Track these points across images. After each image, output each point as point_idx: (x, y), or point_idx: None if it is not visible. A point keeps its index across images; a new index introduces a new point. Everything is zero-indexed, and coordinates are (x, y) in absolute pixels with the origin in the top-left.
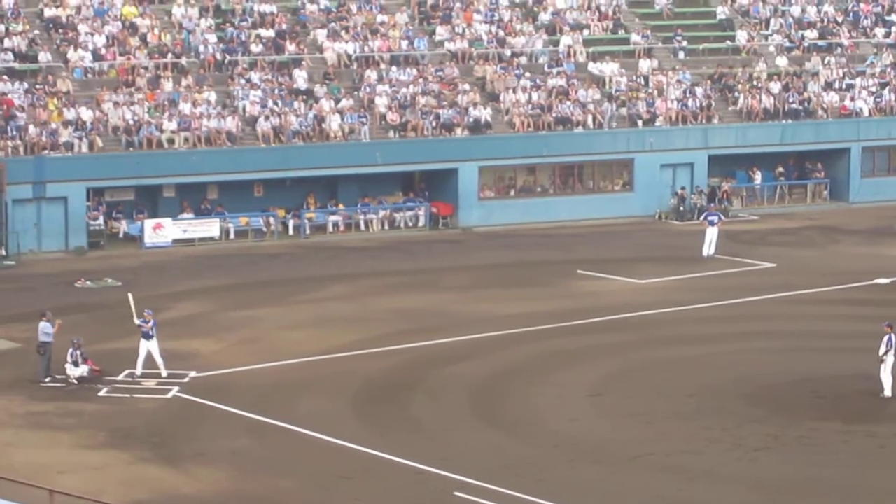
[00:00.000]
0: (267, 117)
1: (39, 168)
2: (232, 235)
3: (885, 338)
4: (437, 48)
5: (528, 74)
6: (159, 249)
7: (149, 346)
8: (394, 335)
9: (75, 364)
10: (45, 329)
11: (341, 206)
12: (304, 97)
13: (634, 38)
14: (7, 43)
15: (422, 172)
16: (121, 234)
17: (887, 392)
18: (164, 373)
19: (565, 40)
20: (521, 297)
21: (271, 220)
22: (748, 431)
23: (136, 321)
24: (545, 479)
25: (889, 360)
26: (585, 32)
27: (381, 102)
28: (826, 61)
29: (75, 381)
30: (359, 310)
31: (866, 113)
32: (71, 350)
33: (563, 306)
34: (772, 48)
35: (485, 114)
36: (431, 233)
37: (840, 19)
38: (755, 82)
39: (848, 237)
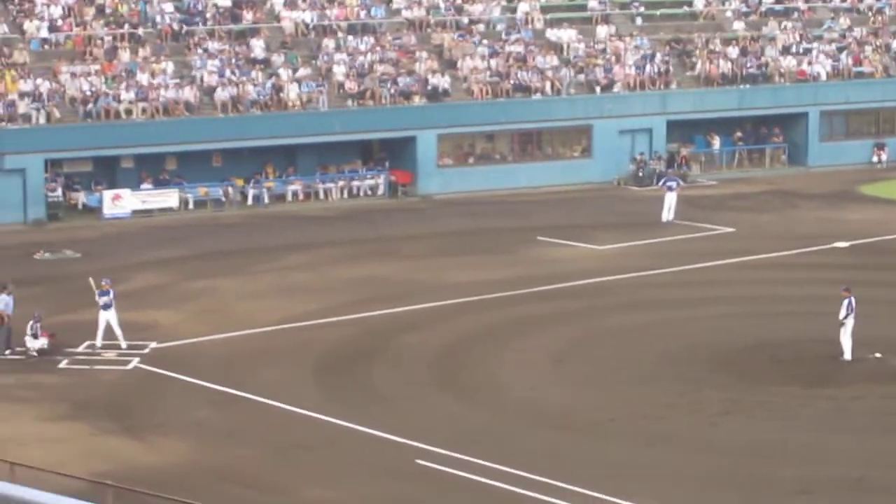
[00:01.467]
0: (224, 87)
1: None
2: (191, 206)
3: (845, 301)
4: (394, 16)
5: (485, 42)
6: (118, 220)
7: (108, 317)
8: (354, 304)
9: (35, 336)
10: (4, 300)
11: (287, 175)
12: (262, 66)
13: (592, 4)
14: None
15: (380, 141)
16: (79, 206)
17: (847, 355)
18: (123, 344)
19: (523, 7)
20: (481, 265)
21: (230, 189)
22: (708, 396)
23: (97, 295)
24: (506, 446)
25: (849, 323)
26: None
27: (339, 71)
28: (783, 26)
29: (35, 354)
30: (318, 279)
31: (824, 77)
32: (31, 322)
33: (523, 273)
34: (729, 13)
35: (443, 81)
36: (390, 201)
37: None
38: (712, 47)
39: (806, 201)
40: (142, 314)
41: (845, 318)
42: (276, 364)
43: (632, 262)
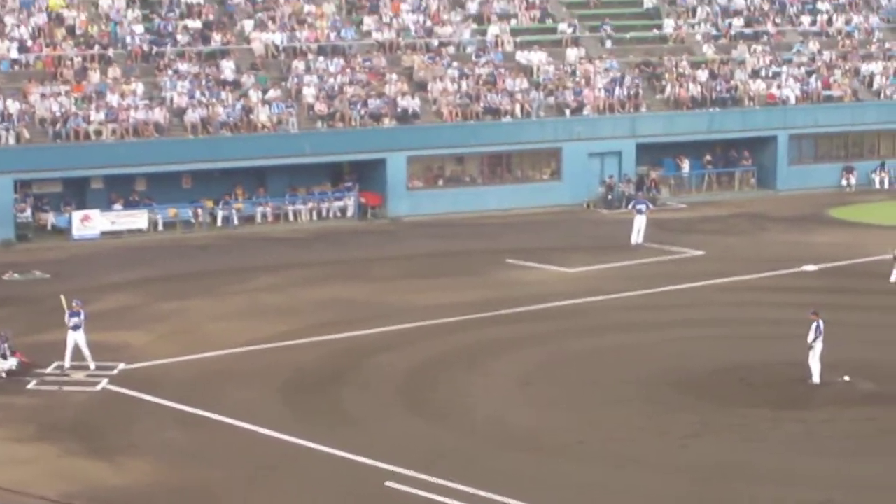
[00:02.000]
0: (194, 108)
1: None
2: (160, 227)
3: (813, 324)
4: (364, 38)
5: (455, 64)
6: (88, 241)
7: (76, 338)
8: (323, 325)
9: (3, 357)
10: None
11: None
12: (232, 88)
13: (562, 27)
14: None
15: (350, 163)
16: (49, 227)
17: (815, 379)
18: (91, 365)
19: (493, 30)
20: (450, 287)
21: (199, 211)
22: (678, 419)
23: (67, 316)
24: (476, 468)
25: (817, 346)
26: (513, 22)
27: (309, 93)
28: (753, 49)
29: (3, 375)
30: (288, 300)
31: (793, 101)
32: None
33: (493, 295)
34: (699, 36)
35: (413, 104)
36: (360, 223)
37: (766, 7)
38: (682, 70)
39: (775, 224)
40: (111, 335)
41: (814, 341)
42: (244, 385)
43: (601, 285)
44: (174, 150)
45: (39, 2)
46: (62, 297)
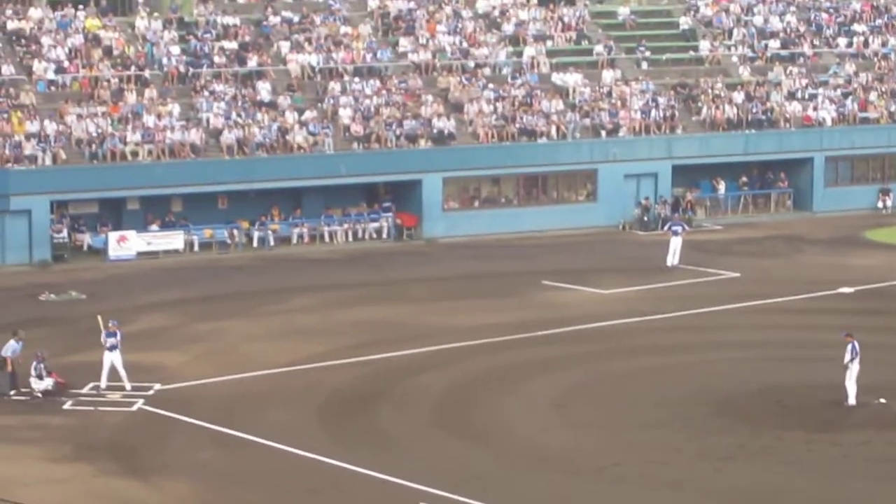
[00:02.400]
0: (230, 129)
1: (3, 181)
2: (196, 248)
3: (849, 346)
4: (400, 59)
5: (491, 85)
6: (123, 262)
7: (112, 359)
8: (359, 346)
9: (39, 377)
10: (13, 347)
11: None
12: (268, 109)
13: (597, 48)
14: None
15: (386, 184)
16: (85, 247)
17: (851, 400)
18: (127, 385)
19: (528, 51)
20: (486, 308)
21: (235, 232)
22: (713, 441)
23: (103, 336)
24: (511, 490)
25: (853, 367)
26: (549, 43)
27: (345, 114)
28: (788, 71)
29: (40, 395)
30: (324, 321)
31: (829, 122)
32: (35, 363)
33: (528, 317)
34: (734, 58)
35: (448, 125)
36: (396, 244)
37: (802, 29)
38: (718, 92)
39: (811, 247)
40: (147, 356)
41: (850, 362)
42: (281, 406)
43: (637, 307)
44: (210, 171)
45: (76, 23)
46: (99, 318)
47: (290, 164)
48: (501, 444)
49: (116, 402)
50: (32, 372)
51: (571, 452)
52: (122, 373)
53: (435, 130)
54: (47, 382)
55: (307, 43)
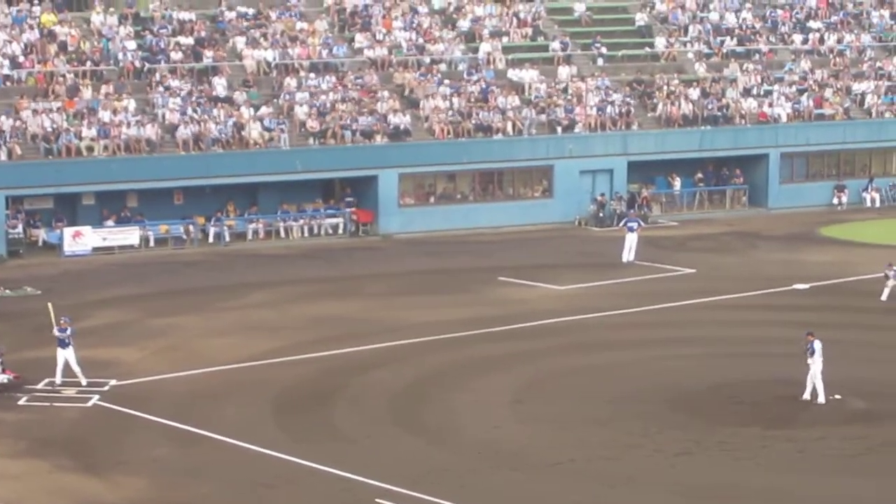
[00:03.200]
0: (186, 125)
1: None
2: (152, 243)
3: (816, 344)
4: (356, 55)
5: (447, 81)
6: (79, 258)
7: (66, 355)
8: (314, 342)
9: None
10: None
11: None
12: (224, 104)
13: (553, 45)
14: None
15: (342, 180)
16: (40, 243)
17: (821, 398)
18: (83, 381)
19: (484, 47)
20: (442, 304)
21: (191, 227)
22: (668, 437)
23: (55, 331)
24: (466, 486)
25: (812, 365)
26: (504, 39)
27: (301, 110)
28: (744, 67)
29: None
30: (279, 317)
31: (784, 119)
32: None
33: (484, 313)
34: (690, 55)
35: (404, 121)
36: (352, 240)
37: (758, 26)
38: (673, 88)
39: (766, 243)
40: (102, 351)
41: (809, 358)
42: (236, 402)
43: (592, 303)
44: (166, 167)
45: (32, 18)
46: (50, 306)
47: (245, 160)
48: (456, 440)
49: (72, 398)
50: None
51: (526, 448)
52: (77, 369)
53: (391, 126)
54: (3, 378)
55: (263, 38)
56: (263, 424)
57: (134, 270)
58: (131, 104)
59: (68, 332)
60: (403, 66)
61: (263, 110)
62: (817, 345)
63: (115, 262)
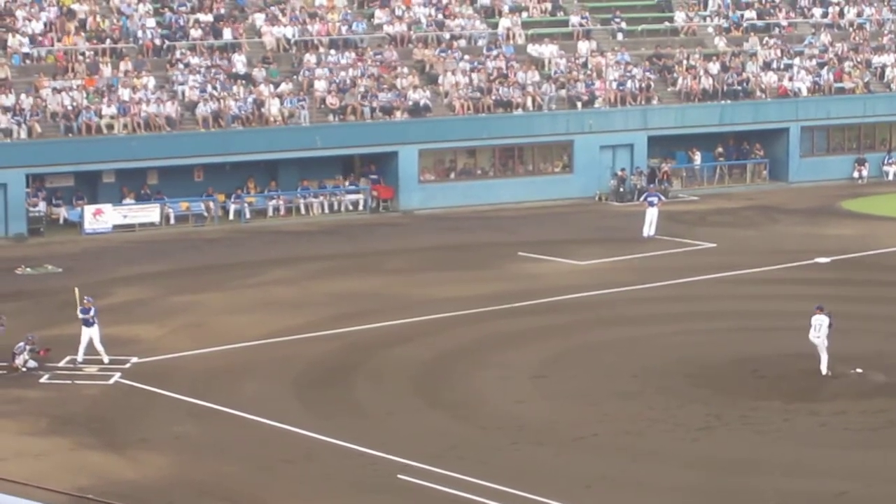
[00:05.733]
0: (206, 102)
1: None
2: (172, 221)
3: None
4: (375, 31)
5: (467, 57)
6: (100, 235)
7: (90, 333)
8: (335, 318)
9: (24, 363)
10: None
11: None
12: (244, 81)
13: (573, 19)
14: None
15: (362, 156)
16: (61, 221)
17: (823, 369)
18: (105, 359)
19: (504, 23)
20: (463, 280)
21: (211, 204)
22: (690, 411)
23: (79, 312)
24: (489, 461)
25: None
26: (524, 15)
27: (321, 86)
28: (764, 42)
29: (24, 369)
30: (300, 294)
31: (804, 93)
32: (21, 344)
33: (505, 288)
34: (710, 29)
35: (424, 97)
36: (372, 216)
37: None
38: (693, 62)
39: (787, 217)
40: (124, 329)
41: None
42: (257, 379)
43: (613, 278)
44: (186, 144)
45: None
46: (76, 290)
47: (265, 137)
48: (478, 415)
49: (93, 376)
50: (16, 350)
51: (548, 423)
52: (100, 347)
53: (410, 102)
54: (31, 364)
55: (282, 15)
56: (285, 401)
57: (154, 248)
58: (151, 82)
59: (91, 311)
60: (423, 42)
61: (283, 87)
62: (822, 319)
63: (135, 240)
